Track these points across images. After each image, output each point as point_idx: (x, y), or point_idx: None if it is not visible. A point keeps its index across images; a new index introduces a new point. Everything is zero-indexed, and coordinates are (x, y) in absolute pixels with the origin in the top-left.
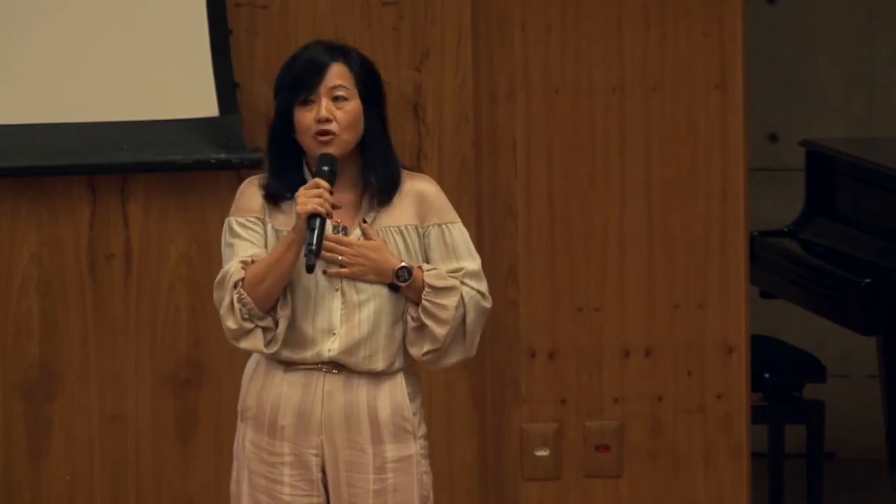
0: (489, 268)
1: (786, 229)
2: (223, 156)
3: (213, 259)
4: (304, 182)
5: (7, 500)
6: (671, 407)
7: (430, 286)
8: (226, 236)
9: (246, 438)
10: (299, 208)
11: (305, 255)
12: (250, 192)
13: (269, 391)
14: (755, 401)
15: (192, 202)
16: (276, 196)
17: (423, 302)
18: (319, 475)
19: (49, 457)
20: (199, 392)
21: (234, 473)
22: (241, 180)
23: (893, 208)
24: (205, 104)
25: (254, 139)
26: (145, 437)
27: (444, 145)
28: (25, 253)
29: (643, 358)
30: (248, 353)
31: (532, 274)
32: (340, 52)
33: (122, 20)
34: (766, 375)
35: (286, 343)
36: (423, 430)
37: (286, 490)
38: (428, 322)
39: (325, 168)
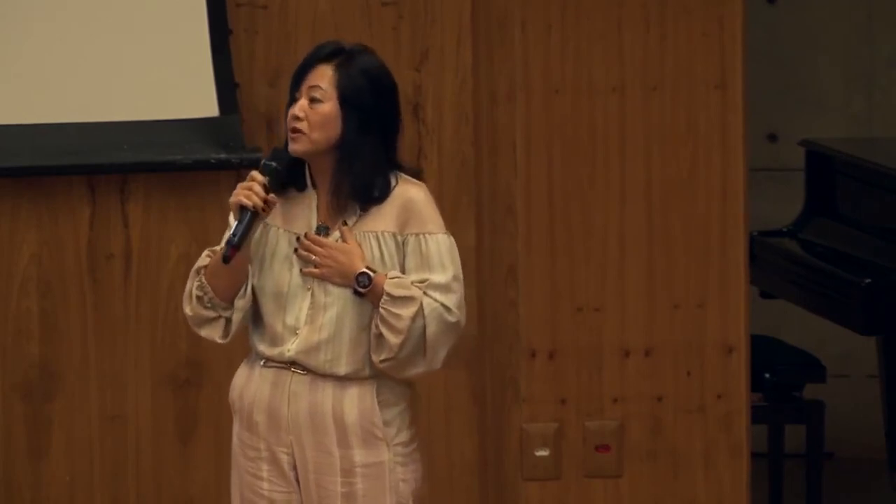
0: (489, 268)
1: (786, 229)
2: (223, 156)
3: None
4: (302, 178)
5: (7, 500)
6: (671, 407)
7: (388, 294)
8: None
9: (234, 432)
10: (230, 199)
11: (224, 245)
12: None
13: (248, 386)
14: (755, 401)
15: (192, 202)
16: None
17: (380, 309)
18: (292, 473)
19: (49, 457)
20: (199, 392)
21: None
22: (241, 180)
23: (893, 208)
24: (205, 104)
25: (254, 139)
26: (145, 437)
27: (444, 145)
28: (25, 253)
29: (643, 358)
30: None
31: (532, 274)
32: (340, 55)
33: (122, 20)
34: (766, 375)
35: (263, 339)
36: (401, 437)
37: (265, 485)
38: (383, 330)
39: (272, 163)
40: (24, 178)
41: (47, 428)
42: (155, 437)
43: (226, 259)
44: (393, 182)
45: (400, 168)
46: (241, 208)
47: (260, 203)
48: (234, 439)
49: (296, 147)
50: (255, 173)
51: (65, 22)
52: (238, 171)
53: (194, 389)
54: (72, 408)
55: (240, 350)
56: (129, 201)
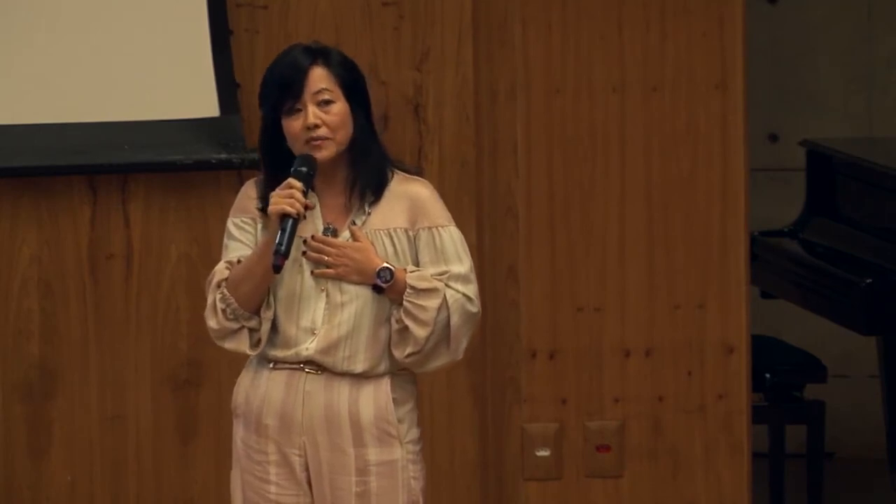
0: (489, 268)
1: (786, 229)
2: (224, 156)
3: (213, 259)
4: None
5: (7, 500)
6: (671, 407)
7: (412, 287)
8: (224, 236)
9: (237, 435)
10: (270, 208)
11: (273, 256)
12: (249, 193)
13: (256, 389)
14: (755, 401)
15: (193, 202)
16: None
17: (405, 303)
18: (304, 475)
19: (49, 457)
20: (199, 392)
21: (232, 470)
22: (241, 180)
23: (893, 208)
24: (205, 104)
25: (254, 139)
26: (145, 437)
27: (444, 145)
28: (25, 253)
29: (643, 358)
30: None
31: (532, 274)
32: (320, 54)
33: (122, 20)
34: (767, 375)
35: (274, 342)
36: (412, 435)
37: (272, 489)
38: (409, 323)
39: (303, 169)
40: (24, 178)
41: (47, 428)
42: (155, 437)
43: (277, 269)
44: (389, 174)
45: (391, 160)
46: (283, 217)
47: (302, 210)
48: (238, 443)
49: (324, 154)
50: (292, 181)
51: (65, 22)
52: (238, 171)
53: (194, 389)
54: (72, 408)
55: None
56: (130, 201)
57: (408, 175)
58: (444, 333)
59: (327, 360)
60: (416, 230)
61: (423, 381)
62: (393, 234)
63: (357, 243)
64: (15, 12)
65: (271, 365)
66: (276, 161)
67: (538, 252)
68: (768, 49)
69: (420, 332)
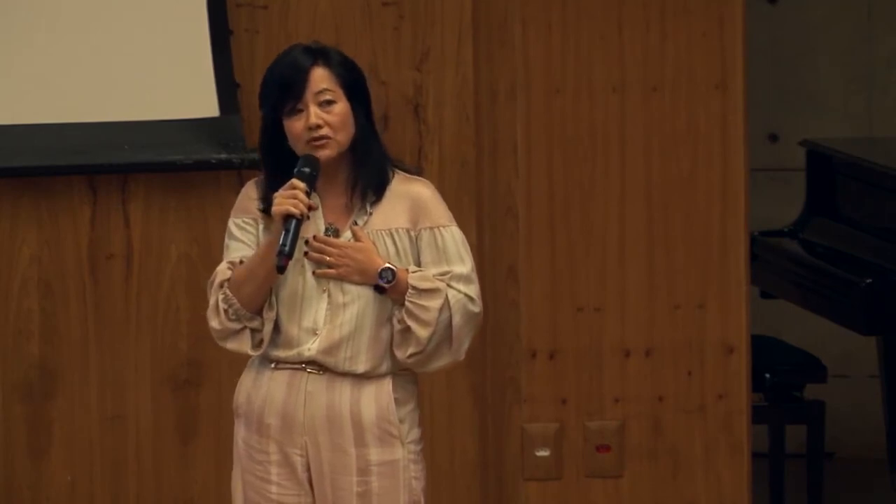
0: (489, 268)
1: (786, 229)
2: (224, 156)
3: (213, 259)
4: None
5: (7, 500)
6: (671, 407)
7: (414, 287)
8: (225, 237)
9: (239, 435)
10: (274, 209)
11: (277, 256)
12: (250, 194)
13: (258, 389)
14: (755, 401)
15: (193, 202)
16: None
17: (407, 303)
18: (305, 475)
19: (49, 457)
20: (199, 392)
21: (233, 470)
22: (241, 180)
23: (893, 208)
24: (205, 104)
25: (254, 139)
26: (145, 437)
27: (444, 145)
28: (25, 253)
29: (643, 358)
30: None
31: (532, 274)
32: (320, 54)
33: (122, 20)
34: (767, 375)
35: (276, 343)
36: (413, 435)
37: (273, 489)
38: (411, 323)
39: (306, 169)
40: (24, 178)
41: (47, 428)
42: (155, 437)
43: (281, 269)
44: (390, 174)
45: (392, 160)
46: (286, 217)
47: (306, 210)
48: (239, 443)
49: (327, 154)
50: (295, 181)
51: (65, 22)
52: (238, 172)
53: (194, 389)
54: (72, 408)
55: None
56: (130, 201)
57: (409, 175)
58: (445, 334)
59: (329, 361)
60: (418, 230)
61: (424, 381)
62: (395, 234)
63: (359, 243)
64: (15, 12)
65: (273, 365)
66: (277, 162)
67: (538, 252)
68: (768, 49)
69: (422, 332)
